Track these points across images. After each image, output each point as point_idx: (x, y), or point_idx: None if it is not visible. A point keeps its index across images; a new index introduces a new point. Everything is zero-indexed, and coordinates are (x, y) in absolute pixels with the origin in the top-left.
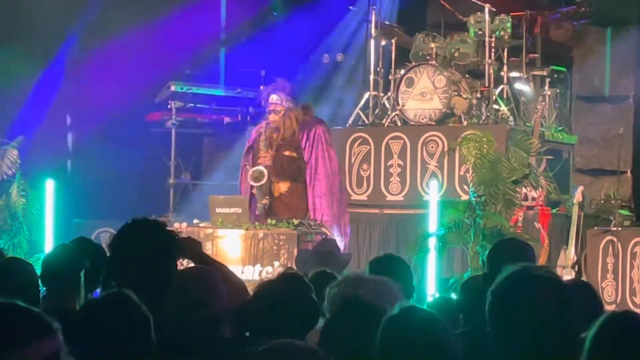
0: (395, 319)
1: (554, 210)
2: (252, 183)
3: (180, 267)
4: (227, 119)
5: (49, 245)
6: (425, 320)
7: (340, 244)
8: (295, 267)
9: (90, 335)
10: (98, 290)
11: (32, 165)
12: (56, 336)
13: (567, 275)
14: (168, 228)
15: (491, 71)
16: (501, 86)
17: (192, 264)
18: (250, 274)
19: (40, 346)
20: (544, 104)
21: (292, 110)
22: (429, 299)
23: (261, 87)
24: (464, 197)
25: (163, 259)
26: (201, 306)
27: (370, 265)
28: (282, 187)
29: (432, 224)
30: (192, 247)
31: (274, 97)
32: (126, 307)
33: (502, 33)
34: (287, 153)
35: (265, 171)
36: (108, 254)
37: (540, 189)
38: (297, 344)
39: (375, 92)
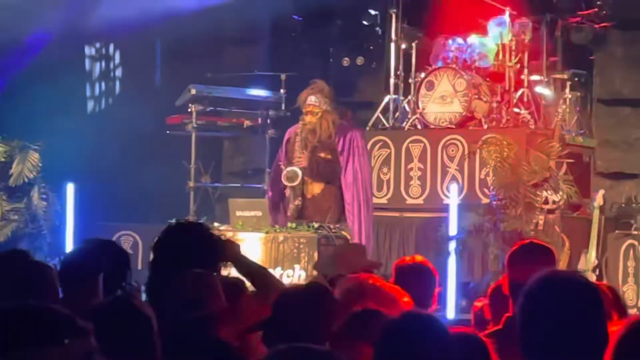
0: (395, 324)
1: (574, 214)
2: (286, 183)
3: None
4: (247, 122)
5: (69, 248)
6: (425, 325)
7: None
8: (316, 269)
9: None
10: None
11: (53, 168)
12: (87, 338)
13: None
14: (211, 230)
15: (511, 74)
16: (521, 89)
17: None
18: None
19: (71, 346)
20: (564, 107)
21: (329, 112)
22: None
23: (281, 90)
24: (485, 201)
25: (206, 261)
26: (195, 305)
27: (396, 269)
28: (316, 188)
29: (452, 228)
30: (232, 250)
31: (312, 99)
32: (129, 311)
33: (522, 36)
34: (322, 155)
35: (300, 172)
36: (152, 256)
37: (560, 193)
38: (314, 348)
39: (396, 96)
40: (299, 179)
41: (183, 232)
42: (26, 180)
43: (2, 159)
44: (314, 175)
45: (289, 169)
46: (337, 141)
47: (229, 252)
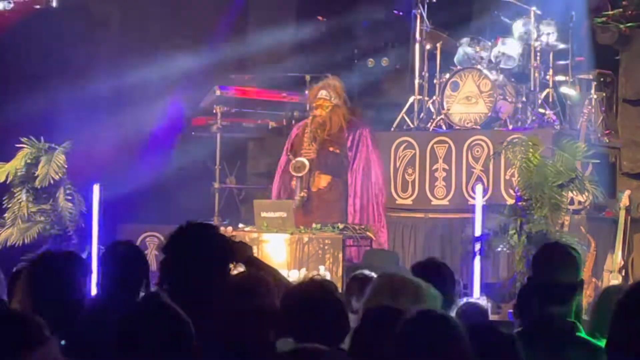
0: (410, 323)
1: (600, 215)
2: (293, 173)
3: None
4: (272, 124)
5: (95, 249)
6: (439, 323)
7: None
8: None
9: (132, 346)
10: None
11: (78, 169)
12: (49, 346)
13: (614, 280)
14: (221, 232)
15: (536, 75)
16: (547, 90)
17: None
18: (296, 278)
19: (32, 355)
20: (590, 107)
21: (340, 107)
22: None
23: (306, 92)
24: (510, 202)
25: (215, 262)
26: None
27: (412, 270)
28: (323, 181)
29: (478, 229)
30: (243, 251)
31: (323, 93)
32: (167, 315)
33: (547, 37)
34: (331, 149)
35: (307, 163)
36: (163, 257)
37: (586, 193)
38: (323, 349)
39: (420, 96)
40: (306, 169)
41: (193, 232)
42: (52, 181)
43: (28, 161)
44: (321, 167)
45: (297, 159)
46: (347, 136)
47: (240, 253)
